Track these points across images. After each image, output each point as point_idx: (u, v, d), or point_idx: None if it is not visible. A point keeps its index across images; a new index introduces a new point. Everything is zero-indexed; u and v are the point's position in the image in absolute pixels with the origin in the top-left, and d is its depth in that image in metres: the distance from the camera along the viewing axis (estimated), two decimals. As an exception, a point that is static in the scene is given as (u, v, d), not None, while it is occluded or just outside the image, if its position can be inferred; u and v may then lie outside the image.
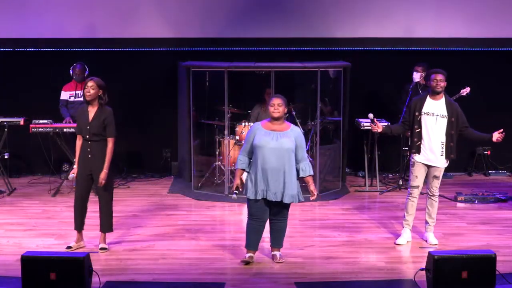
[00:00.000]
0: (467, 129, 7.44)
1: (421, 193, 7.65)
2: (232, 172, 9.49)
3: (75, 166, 7.20)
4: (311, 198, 6.81)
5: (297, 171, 6.77)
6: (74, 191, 7.32)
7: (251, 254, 6.90)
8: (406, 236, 7.62)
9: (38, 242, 7.56)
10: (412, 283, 6.31)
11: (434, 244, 7.46)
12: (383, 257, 7.13)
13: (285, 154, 6.65)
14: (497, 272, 6.06)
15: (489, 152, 11.07)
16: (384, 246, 7.47)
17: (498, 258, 6.06)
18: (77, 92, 9.72)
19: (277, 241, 6.98)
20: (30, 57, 10.76)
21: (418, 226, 7.88)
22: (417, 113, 7.40)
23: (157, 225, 8.23)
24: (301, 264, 6.91)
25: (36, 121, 9.59)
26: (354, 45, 10.74)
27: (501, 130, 7.38)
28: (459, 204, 9.26)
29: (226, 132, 9.68)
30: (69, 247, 7.20)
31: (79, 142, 7.19)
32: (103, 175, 7.05)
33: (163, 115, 10.95)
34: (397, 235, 7.70)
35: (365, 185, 10.13)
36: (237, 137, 9.76)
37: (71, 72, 9.88)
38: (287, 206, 6.88)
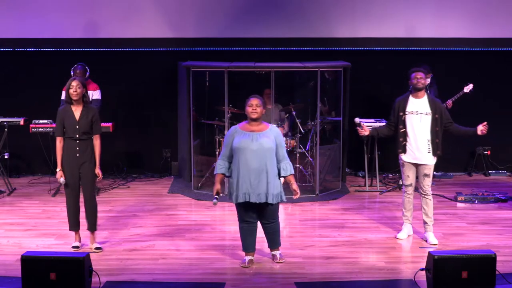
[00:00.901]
0: (452, 124, 7.53)
1: (416, 191, 7.67)
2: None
3: (58, 170, 7.12)
4: (295, 197, 6.74)
5: (278, 170, 6.72)
6: (65, 193, 7.28)
7: (251, 257, 6.89)
8: (406, 230, 7.70)
9: (38, 242, 7.56)
10: (412, 283, 6.31)
11: (434, 244, 7.46)
12: (383, 257, 7.13)
13: (267, 154, 6.61)
14: (497, 272, 6.06)
15: (489, 152, 11.07)
16: (384, 246, 7.47)
17: (498, 258, 6.06)
18: (77, 92, 9.71)
19: (274, 242, 6.97)
20: (30, 57, 10.76)
21: (418, 227, 7.88)
22: (401, 113, 7.50)
23: (157, 225, 8.23)
24: (301, 264, 6.91)
25: (36, 121, 9.60)
26: (354, 45, 10.74)
27: (485, 123, 7.45)
28: (459, 204, 9.26)
29: (226, 132, 9.68)
30: (75, 247, 7.22)
31: (60, 144, 7.12)
32: (97, 170, 7.11)
33: (163, 115, 10.96)
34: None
35: (365, 185, 10.13)
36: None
37: (72, 73, 9.87)
38: (275, 207, 6.80)
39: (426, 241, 7.56)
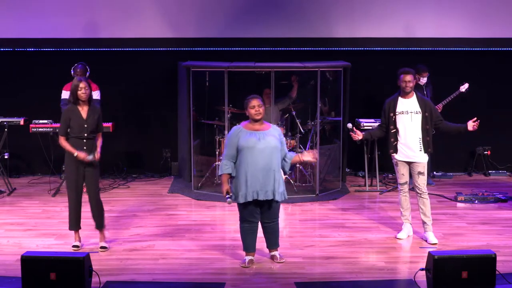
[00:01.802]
0: (442, 122, 7.59)
1: (412, 190, 7.69)
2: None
3: (77, 153, 7.05)
4: (316, 157, 6.90)
5: (283, 166, 6.83)
6: (67, 192, 7.27)
7: (251, 258, 6.89)
8: (406, 230, 7.72)
9: (38, 242, 7.56)
10: (412, 283, 6.31)
11: (434, 243, 7.47)
12: (383, 257, 7.13)
13: (273, 152, 6.66)
14: (497, 272, 6.06)
15: (489, 152, 11.07)
16: (384, 246, 7.48)
17: (498, 258, 6.06)
18: (77, 92, 9.71)
19: (273, 242, 6.98)
20: (31, 57, 10.76)
21: (417, 227, 7.88)
22: (391, 114, 7.54)
23: (157, 225, 8.23)
24: (301, 264, 6.91)
25: (36, 121, 9.60)
26: (354, 45, 10.74)
27: (475, 118, 7.49)
28: (459, 204, 9.26)
29: (226, 132, 9.68)
30: (75, 246, 7.22)
31: (64, 141, 7.15)
32: (98, 155, 7.14)
33: (163, 115, 10.96)
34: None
35: (365, 185, 10.13)
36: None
37: (72, 72, 9.88)
38: (277, 206, 6.86)
39: (426, 241, 7.56)
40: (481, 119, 7.61)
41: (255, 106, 6.70)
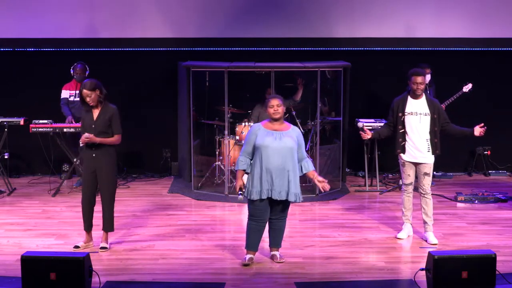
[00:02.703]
0: (449, 124, 7.57)
1: (416, 191, 7.68)
2: (232, 172, 9.49)
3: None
4: (326, 188, 6.82)
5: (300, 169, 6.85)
6: (82, 191, 7.29)
7: (251, 256, 6.90)
8: (407, 230, 7.72)
9: (38, 242, 7.56)
10: (412, 283, 6.31)
11: (434, 243, 7.46)
12: (383, 257, 7.13)
13: (289, 153, 6.68)
14: (497, 272, 6.06)
15: (489, 152, 11.07)
16: (384, 246, 7.47)
17: (498, 258, 6.06)
18: (77, 91, 9.72)
19: (276, 241, 6.98)
20: (31, 57, 10.76)
21: (418, 227, 7.89)
22: (400, 114, 7.51)
23: (157, 225, 8.23)
24: (301, 264, 6.90)
25: (36, 121, 9.60)
26: (354, 45, 10.74)
27: (482, 124, 7.46)
28: (459, 204, 9.26)
29: (226, 132, 9.68)
30: (76, 247, 7.21)
31: None
32: (95, 138, 7.02)
33: (163, 115, 10.96)
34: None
35: (365, 185, 10.13)
36: (237, 137, 9.76)
37: (72, 72, 9.89)
38: (288, 205, 6.90)
39: (426, 241, 7.56)
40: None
41: (274, 106, 6.73)
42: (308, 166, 6.84)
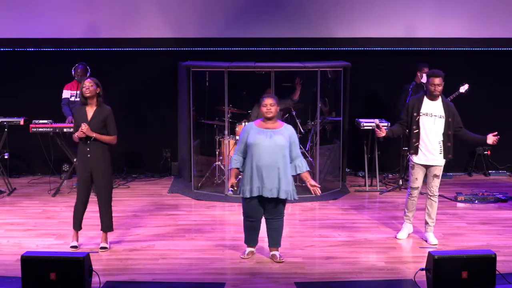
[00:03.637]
0: (461, 130, 7.48)
1: (421, 193, 7.68)
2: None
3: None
4: (317, 193, 6.85)
5: (294, 168, 6.85)
6: (76, 191, 7.29)
7: (251, 249, 6.98)
8: (406, 230, 7.72)
9: (38, 242, 7.56)
10: (412, 283, 6.32)
11: (434, 244, 7.46)
12: (383, 257, 7.13)
13: (279, 151, 6.71)
14: (497, 272, 6.06)
15: (489, 152, 11.06)
16: (384, 246, 7.47)
17: (498, 258, 6.06)
18: (78, 92, 9.71)
19: (275, 240, 6.99)
20: (31, 57, 10.76)
21: (418, 226, 7.89)
22: (415, 114, 7.43)
23: (157, 225, 8.23)
24: (301, 264, 6.91)
25: (36, 121, 9.59)
26: (354, 45, 10.74)
27: (495, 132, 7.42)
28: (459, 204, 9.26)
29: (226, 132, 9.69)
30: (74, 247, 7.21)
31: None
32: (91, 132, 6.99)
33: (163, 115, 10.96)
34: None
35: (365, 185, 10.13)
36: (237, 137, 9.76)
37: (73, 72, 9.88)
38: (282, 203, 6.90)
39: (426, 241, 7.56)
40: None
41: (267, 105, 6.79)
42: (302, 167, 6.86)
